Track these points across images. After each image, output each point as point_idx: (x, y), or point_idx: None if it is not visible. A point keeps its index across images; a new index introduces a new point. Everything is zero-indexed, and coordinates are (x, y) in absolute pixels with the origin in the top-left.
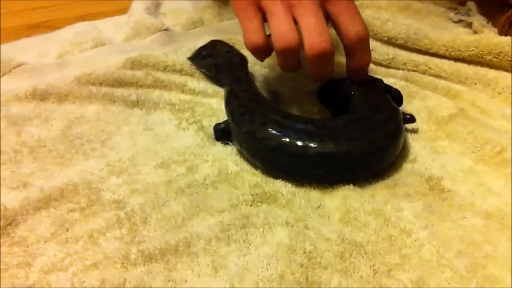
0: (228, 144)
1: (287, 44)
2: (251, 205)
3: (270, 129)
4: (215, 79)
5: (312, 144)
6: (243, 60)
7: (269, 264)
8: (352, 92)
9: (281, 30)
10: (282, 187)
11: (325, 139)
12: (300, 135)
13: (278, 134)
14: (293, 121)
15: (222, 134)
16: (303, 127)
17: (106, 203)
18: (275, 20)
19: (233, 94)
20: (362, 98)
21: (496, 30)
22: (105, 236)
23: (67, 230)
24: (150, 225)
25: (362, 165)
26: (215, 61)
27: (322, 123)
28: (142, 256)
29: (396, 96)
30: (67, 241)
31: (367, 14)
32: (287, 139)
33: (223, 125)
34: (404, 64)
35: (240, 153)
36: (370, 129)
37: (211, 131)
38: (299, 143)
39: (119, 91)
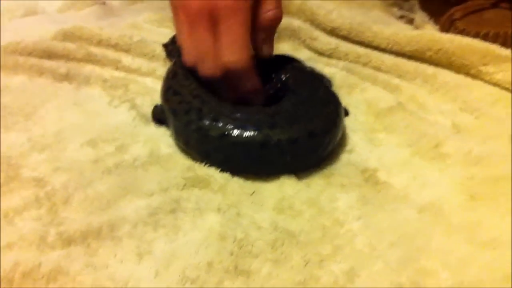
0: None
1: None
2: (182, 189)
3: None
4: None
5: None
6: None
7: (198, 252)
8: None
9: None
10: (215, 172)
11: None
12: (256, 125)
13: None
14: (242, 113)
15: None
16: (256, 117)
17: (25, 181)
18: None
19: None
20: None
21: (437, 27)
22: (22, 215)
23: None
24: (72, 205)
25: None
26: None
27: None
28: (60, 239)
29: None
30: None
31: (311, 3)
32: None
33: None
34: (346, 55)
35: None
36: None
37: (144, 110)
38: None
39: (48, 63)
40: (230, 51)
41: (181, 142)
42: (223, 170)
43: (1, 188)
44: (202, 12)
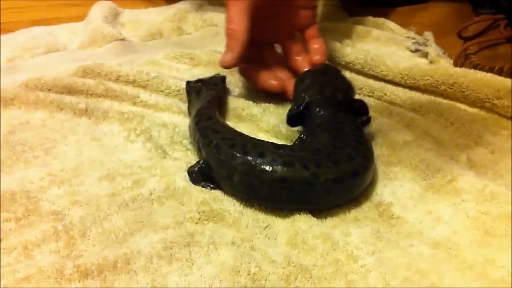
0: (209, 186)
1: None
2: (196, 223)
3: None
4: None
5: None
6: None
7: (212, 285)
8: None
9: None
10: (230, 205)
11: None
12: (303, 163)
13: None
14: (286, 149)
15: (199, 176)
16: (301, 154)
17: (44, 214)
18: None
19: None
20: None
21: (451, 61)
22: (40, 248)
23: (0, 240)
24: (89, 239)
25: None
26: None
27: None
28: (77, 272)
29: (360, 107)
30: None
31: (327, 38)
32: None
33: (198, 167)
34: (360, 89)
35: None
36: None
37: (160, 142)
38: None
39: (67, 99)
40: None
41: (223, 178)
42: (266, 205)
43: (21, 222)
44: None
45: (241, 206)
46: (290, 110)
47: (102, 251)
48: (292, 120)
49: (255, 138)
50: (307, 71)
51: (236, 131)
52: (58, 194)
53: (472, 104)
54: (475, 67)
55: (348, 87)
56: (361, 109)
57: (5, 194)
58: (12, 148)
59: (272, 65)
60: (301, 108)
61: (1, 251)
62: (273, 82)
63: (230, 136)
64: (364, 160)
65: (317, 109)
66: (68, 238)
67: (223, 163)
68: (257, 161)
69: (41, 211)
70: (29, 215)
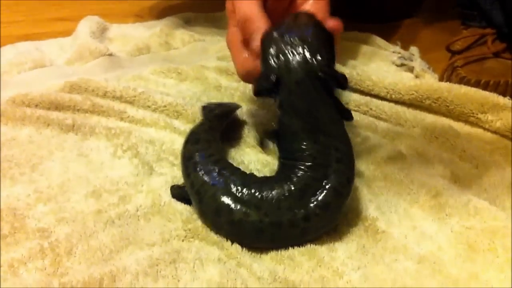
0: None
1: None
2: (183, 240)
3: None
4: None
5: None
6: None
7: None
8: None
9: None
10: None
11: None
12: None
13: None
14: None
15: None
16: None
17: (30, 231)
18: None
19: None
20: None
21: (436, 75)
22: (26, 266)
23: None
24: (75, 256)
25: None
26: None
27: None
28: None
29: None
30: None
31: None
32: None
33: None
34: (346, 104)
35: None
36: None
37: (147, 158)
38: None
39: (54, 114)
40: None
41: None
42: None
43: (7, 239)
44: None
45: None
46: (258, 82)
47: (88, 268)
48: (260, 94)
49: (229, 170)
50: (276, 26)
51: (219, 160)
52: (44, 211)
53: (457, 118)
54: (462, 79)
55: (329, 49)
56: (342, 83)
57: None
58: None
59: None
60: (270, 85)
61: None
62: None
63: (207, 168)
64: (342, 187)
65: (291, 98)
66: (54, 256)
67: (193, 195)
68: (219, 203)
69: (27, 228)
70: (15, 232)
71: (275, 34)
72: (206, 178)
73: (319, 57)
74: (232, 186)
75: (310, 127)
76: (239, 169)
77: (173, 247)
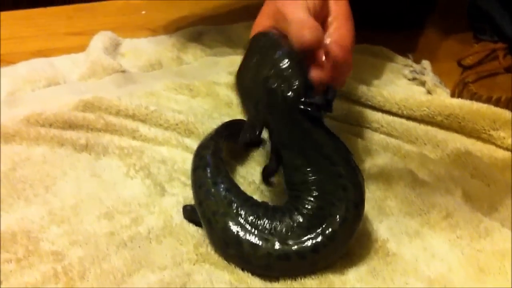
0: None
1: None
2: (194, 264)
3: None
4: None
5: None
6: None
7: None
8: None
9: None
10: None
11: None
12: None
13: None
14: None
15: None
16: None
17: (44, 255)
18: None
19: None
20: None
21: (448, 90)
22: None
23: (1, 282)
24: (88, 280)
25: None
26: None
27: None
28: None
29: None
30: None
31: None
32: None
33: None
34: (357, 120)
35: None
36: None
37: (159, 178)
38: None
39: (68, 134)
40: None
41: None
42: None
43: (21, 263)
44: None
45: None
46: (243, 133)
47: None
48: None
49: (240, 200)
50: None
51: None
52: (58, 233)
53: (469, 135)
54: (473, 96)
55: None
56: (325, 108)
57: (6, 234)
58: (13, 186)
59: None
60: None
61: None
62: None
63: (218, 197)
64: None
65: (283, 138)
66: (68, 280)
67: (204, 223)
68: (228, 234)
69: (41, 251)
70: (29, 256)
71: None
72: (216, 207)
73: (295, 89)
74: (242, 217)
75: (310, 159)
76: (250, 198)
77: (184, 271)
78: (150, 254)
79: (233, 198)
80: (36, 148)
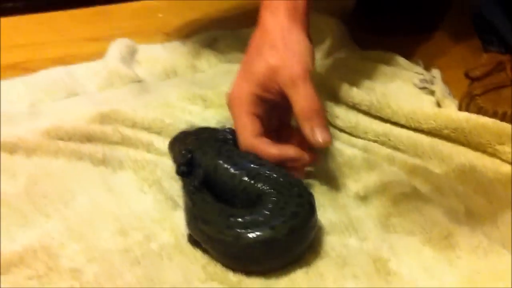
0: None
1: None
2: (203, 283)
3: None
4: None
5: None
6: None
7: None
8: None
9: None
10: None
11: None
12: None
13: None
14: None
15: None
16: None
17: (63, 271)
18: None
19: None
20: None
21: (456, 101)
22: None
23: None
24: None
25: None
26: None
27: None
28: None
29: None
30: None
31: (334, 75)
32: None
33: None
34: (365, 133)
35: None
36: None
37: (171, 193)
38: None
39: (86, 147)
40: None
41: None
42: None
43: (42, 279)
44: None
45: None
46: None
47: None
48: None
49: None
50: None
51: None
52: (76, 250)
53: (475, 148)
54: (480, 110)
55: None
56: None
57: (28, 251)
58: (34, 201)
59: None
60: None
61: None
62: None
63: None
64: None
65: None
66: None
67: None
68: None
69: (60, 268)
70: (49, 272)
71: None
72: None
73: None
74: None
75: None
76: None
77: None
78: (161, 271)
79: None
80: (56, 161)
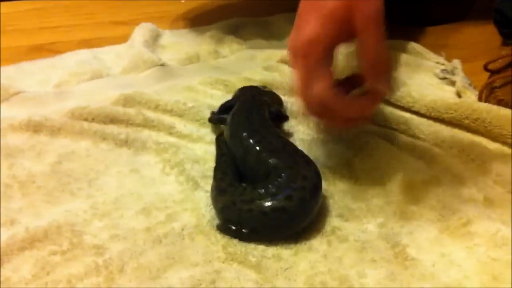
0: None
1: None
2: (223, 262)
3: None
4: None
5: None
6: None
7: None
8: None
9: None
10: (252, 248)
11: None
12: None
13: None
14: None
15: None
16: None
17: (87, 248)
18: None
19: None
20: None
21: (476, 92)
22: (83, 282)
23: (48, 273)
24: (126, 274)
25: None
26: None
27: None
28: None
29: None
30: (47, 284)
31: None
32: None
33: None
34: (386, 121)
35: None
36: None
37: (192, 174)
38: None
39: (110, 128)
40: None
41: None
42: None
43: (66, 255)
44: None
45: (263, 246)
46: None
47: (137, 286)
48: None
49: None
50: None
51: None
52: (99, 227)
53: (495, 139)
54: (499, 102)
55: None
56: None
57: (52, 227)
58: (59, 179)
59: None
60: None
61: (48, 284)
62: None
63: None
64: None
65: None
66: (107, 273)
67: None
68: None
69: (84, 244)
70: (73, 248)
71: None
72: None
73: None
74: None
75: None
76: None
77: (214, 268)
78: (183, 250)
79: None
80: (81, 142)
